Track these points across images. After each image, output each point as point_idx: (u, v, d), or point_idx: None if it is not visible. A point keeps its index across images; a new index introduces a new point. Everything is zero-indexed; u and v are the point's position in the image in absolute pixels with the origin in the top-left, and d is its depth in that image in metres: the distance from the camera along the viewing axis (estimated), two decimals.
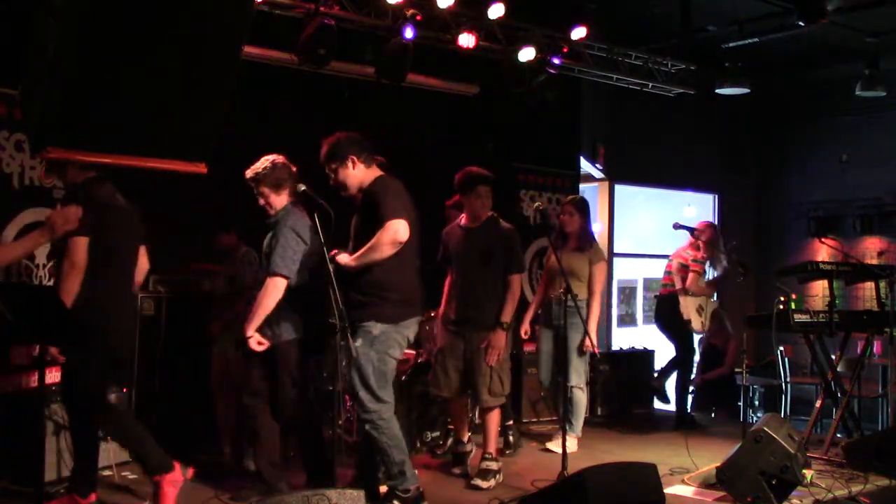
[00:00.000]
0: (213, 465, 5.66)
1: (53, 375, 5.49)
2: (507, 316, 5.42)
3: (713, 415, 8.59)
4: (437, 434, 6.48)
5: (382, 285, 4.50)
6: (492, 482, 5.39)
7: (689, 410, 7.84)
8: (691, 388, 8.64)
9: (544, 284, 6.59)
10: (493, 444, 5.54)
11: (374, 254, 4.44)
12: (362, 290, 4.51)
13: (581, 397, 6.37)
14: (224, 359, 5.66)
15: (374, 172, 4.68)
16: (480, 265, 5.45)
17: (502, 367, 5.47)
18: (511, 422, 6.43)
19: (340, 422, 4.74)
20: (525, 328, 6.57)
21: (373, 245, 4.43)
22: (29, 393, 5.22)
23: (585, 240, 6.39)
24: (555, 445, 6.10)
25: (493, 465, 5.48)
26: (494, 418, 5.56)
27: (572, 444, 6.05)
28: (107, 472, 5.34)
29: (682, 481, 5.58)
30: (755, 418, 8.70)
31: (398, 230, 4.39)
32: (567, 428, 5.71)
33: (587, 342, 6.09)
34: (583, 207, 6.47)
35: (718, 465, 5.20)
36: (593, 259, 6.33)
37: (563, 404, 6.05)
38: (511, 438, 6.38)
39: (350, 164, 4.62)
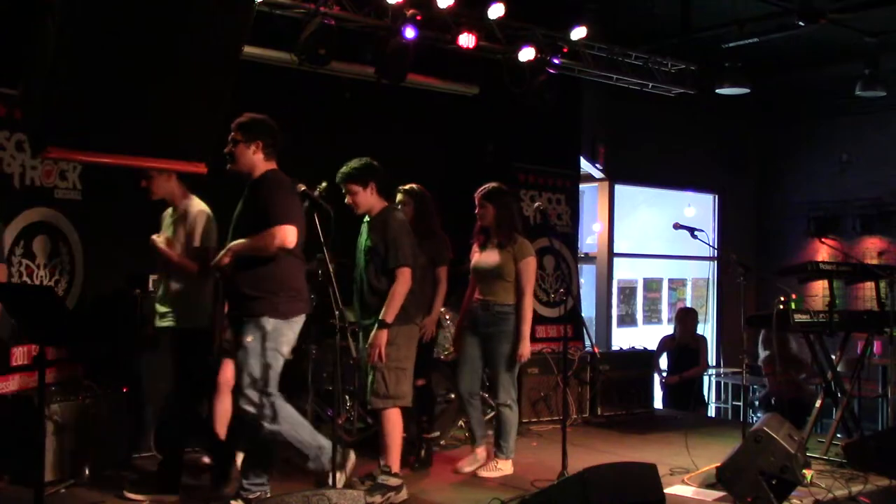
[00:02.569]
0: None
1: (54, 375, 5.51)
2: (388, 314, 4.87)
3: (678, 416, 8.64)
4: (436, 434, 6.48)
5: (276, 280, 4.43)
6: (377, 498, 4.85)
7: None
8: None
9: (470, 288, 5.90)
10: (390, 455, 5.00)
11: (256, 252, 4.40)
12: (255, 284, 4.43)
13: (510, 416, 5.67)
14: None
15: (269, 165, 4.60)
16: (365, 260, 5.08)
17: (388, 367, 4.91)
18: (434, 435, 6.10)
19: (340, 421, 4.75)
20: (455, 343, 5.89)
21: (258, 246, 4.37)
22: (29, 393, 5.22)
23: (504, 234, 5.63)
24: (488, 471, 5.65)
25: (391, 481, 4.97)
26: (388, 424, 4.98)
27: (506, 467, 5.66)
28: (107, 473, 5.35)
29: (682, 481, 5.58)
30: (755, 418, 8.70)
31: (286, 237, 4.33)
32: (496, 451, 5.57)
33: (521, 352, 5.57)
34: (497, 197, 5.67)
35: (718, 465, 5.20)
36: (518, 255, 5.61)
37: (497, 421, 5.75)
38: (423, 453, 5.88)
39: (253, 147, 4.52)
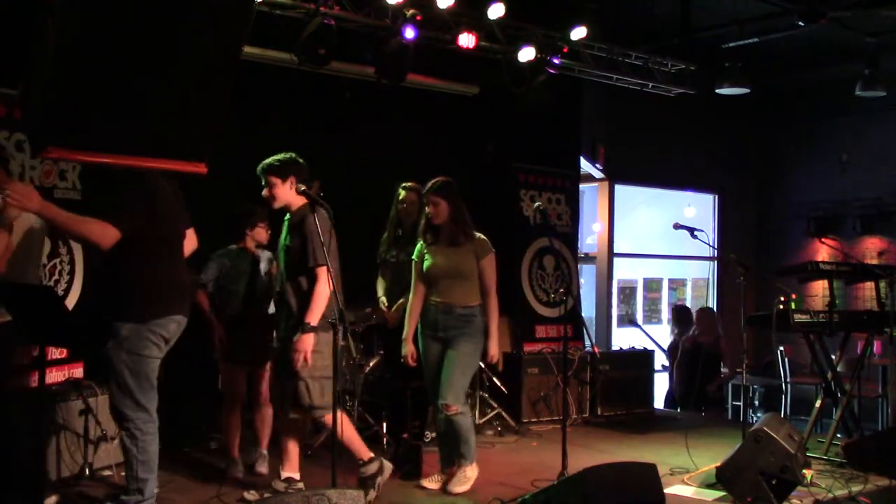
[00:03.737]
0: (212, 465, 5.66)
1: (54, 375, 5.51)
2: (311, 316, 4.61)
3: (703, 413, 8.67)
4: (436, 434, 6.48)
5: (126, 282, 4.24)
6: (371, 494, 4.73)
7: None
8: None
9: (417, 291, 5.40)
10: (353, 449, 4.81)
11: (79, 234, 4.28)
12: (108, 288, 4.32)
13: (464, 422, 5.19)
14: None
15: None
16: (285, 261, 4.86)
17: (312, 376, 4.66)
18: (419, 441, 5.88)
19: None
20: (409, 349, 5.37)
21: (84, 232, 4.13)
22: (29, 393, 5.21)
23: (460, 231, 5.26)
24: (459, 485, 5.24)
25: (369, 469, 4.85)
26: (332, 426, 4.59)
27: (473, 473, 5.28)
28: (107, 472, 5.35)
29: (682, 481, 5.59)
30: (755, 418, 8.70)
31: (102, 239, 4.09)
32: (460, 460, 5.20)
33: (491, 353, 5.24)
34: (448, 192, 5.25)
35: (718, 465, 5.21)
36: (479, 252, 5.28)
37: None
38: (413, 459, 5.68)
39: None
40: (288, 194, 4.77)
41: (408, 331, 5.36)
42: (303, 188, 4.71)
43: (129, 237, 4.14)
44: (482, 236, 5.36)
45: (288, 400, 4.76)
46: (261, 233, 5.56)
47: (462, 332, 5.19)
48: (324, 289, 4.60)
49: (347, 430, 4.79)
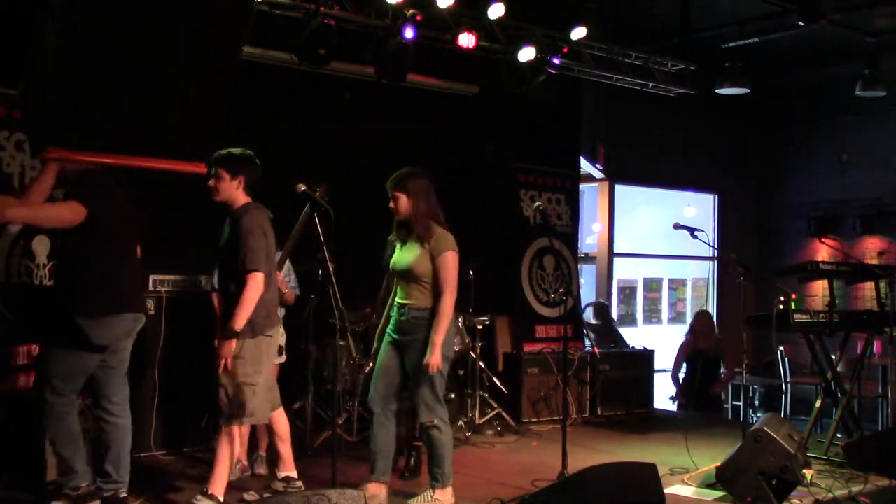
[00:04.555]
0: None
1: None
2: (235, 321, 4.42)
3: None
4: None
5: (78, 280, 4.37)
6: None
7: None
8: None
9: (384, 290, 5.30)
10: (214, 477, 4.57)
11: (49, 220, 4.45)
12: (63, 279, 4.41)
13: (440, 438, 4.84)
14: None
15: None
16: (225, 262, 4.70)
17: (230, 381, 4.52)
18: (420, 443, 5.71)
19: (340, 422, 4.75)
20: (374, 348, 5.17)
21: (53, 214, 4.40)
22: (29, 393, 5.22)
23: (419, 227, 4.85)
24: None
25: (279, 487, 4.79)
26: (221, 443, 4.58)
27: (445, 498, 4.87)
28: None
29: (682, 481, 5.59)
30: (755, 418, 8.70)
31: (72, 215, 4.29)
32: (431, 481, 4.90)
33: (427, 360, 4.72)
34: (408, 186, 4.87)
35: (718, 465, 5.21)
36: (434, 251, 4.82)
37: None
38: (412, 461, 5.73)
39: None
40: (232, 191, 4.62)
41: (378, 330, 5.19)
42: (303, 188, 4.69)
43: (92, 228, 4.28)
44: (444, 233, 4.88)
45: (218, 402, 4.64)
46: None
47: (415, 339, 4.82)
48: (252, 294, 4.43)
49: (224, 457, 4.57)
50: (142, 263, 4.76)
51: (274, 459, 5.07)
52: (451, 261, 4.82)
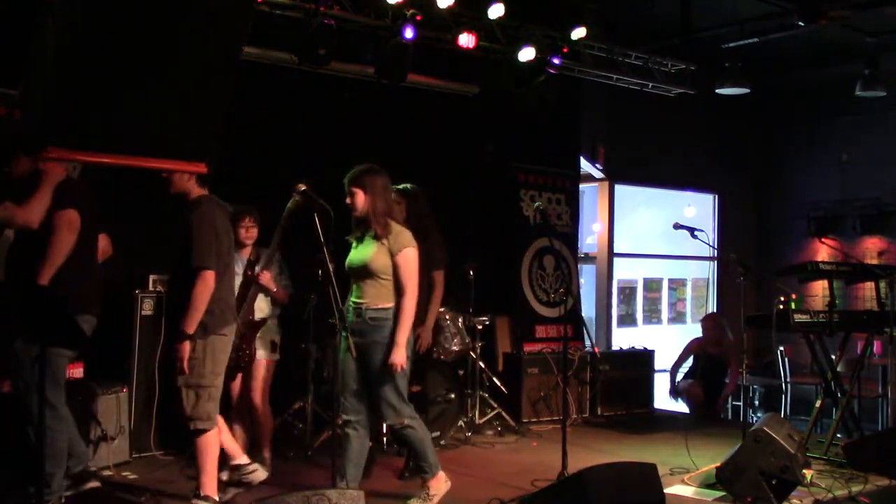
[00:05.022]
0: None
1: None
2: (187, 322, 4.36)
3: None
4: (437, 434, 6.48)
5: (57, 280, 4.38)
6: None
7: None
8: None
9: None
10: (203, 477, 4.53)
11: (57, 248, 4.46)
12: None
13: (414, 434, 4.74)
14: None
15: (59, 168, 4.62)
16: (178, 260, 4.57)
17: (188, 384, 4.43)
18: (434, 434, 5.75)
19: (340, 422, 4.73)
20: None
21: (61, 247, 4.45)
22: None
23: (375, 223, 4.70)
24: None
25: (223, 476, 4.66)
26: (200, 446, 4.52)
27: (439, 487, 4.84)
28: (107, 472, 5.35)
29: (682, 481, 5.59)
30: (755, 418, 8.70)
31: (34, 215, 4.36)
32: (422, 475, 4.81)
33: (392, 359, 4.59)
34: (364, 182, 4.72)
35: (718, 465, 5.21)
36: (394, 248, 4.68)
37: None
38: (412, 463, 5.48)
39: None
40: (184, 182, 4.53)
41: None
42: (303, 188, 4.68)
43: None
44: (401, 229, 4.76)
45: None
46: (241, 232, 5.39)
47: (373, 340, 4.66)
48: (202, 293, 4.35)
49: (207, 456, 4.53)
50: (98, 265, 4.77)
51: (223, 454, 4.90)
52: (411, 257, 4.70)
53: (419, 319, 5.38)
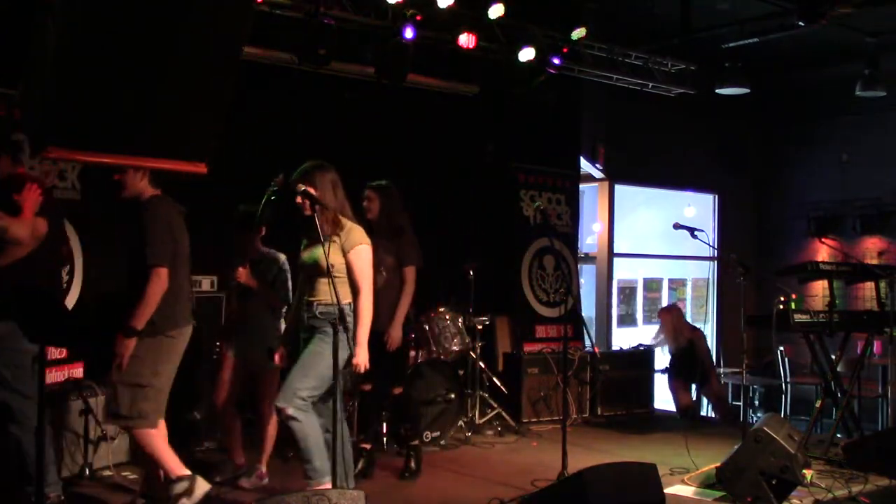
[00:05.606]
0: (211, 465, 5.65)
1: (53, 375, 5.52)
2: (135, 319, 4.28)
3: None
4: (437, 434, 6.49)
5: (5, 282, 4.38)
6: None
7: None
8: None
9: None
10: (165, 464, 4.45)
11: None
12: None
13: (301, 428, 4.42)
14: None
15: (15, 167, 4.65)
16: (131, 261, 4.51)
17: (124, 381, 4.35)
18: (434, 436, 5.80)
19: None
20: (280, 352, 4.84)
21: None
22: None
23: (326, 221, 4.53)
24: None
25: (177, 488, 4.46)
26: (142, 442, 4.44)
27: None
28: (107, 472, 5.35)
29: (682, 481, 5.59)
30: (755, 418, 8.70)
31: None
32: (306, 479, 4.48)
33: (357, 360, 4.40)
34: (313, 179, 4.58)
35: (718, 465, 5.21)
36: (346, 245, 4.55)
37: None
38: (411, 463, 5.67)
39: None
40: (136, 183, 4.49)
41: (285, 329, 4.98)
42: (303, 188, 4.67)
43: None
44: (353, 226, 4.60)
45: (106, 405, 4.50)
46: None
47: (319, 330, 4.51)
48: (154, 291, 4.29)
49: (157, 444, 4.44)
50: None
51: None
52: (364, 254, 4.56)
53: (389, 317, 5.39)
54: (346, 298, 4.48)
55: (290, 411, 4.40)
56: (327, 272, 4.26)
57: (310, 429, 4.45)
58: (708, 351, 8.81)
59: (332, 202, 4.57)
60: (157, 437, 4.43)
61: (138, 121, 3.75)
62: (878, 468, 5.63)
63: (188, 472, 4.44)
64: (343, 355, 4.18)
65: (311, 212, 4.45)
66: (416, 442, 5.82)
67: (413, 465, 5.72)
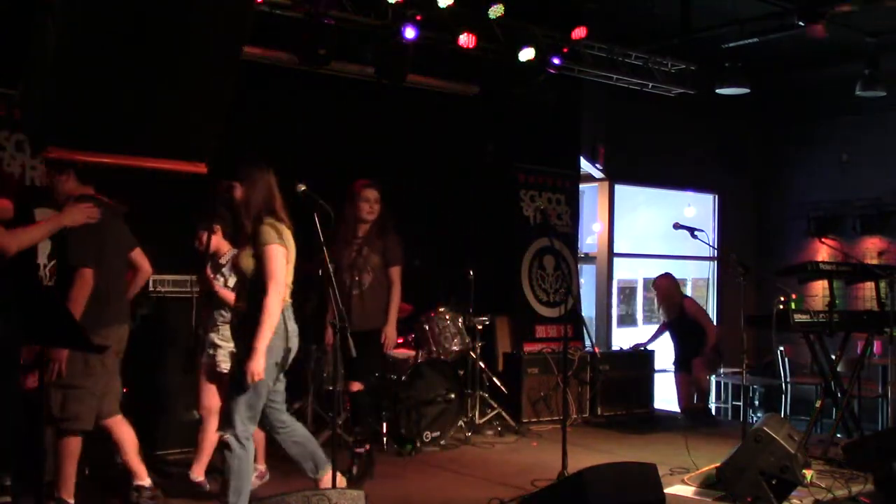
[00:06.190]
0: (210, 464, 5.65)
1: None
2: None
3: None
4: (437, 434, 6.48)
5: None
6: None
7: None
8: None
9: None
10: (61, 482, 4.40)
11: None
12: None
13: (229, 458, 4.12)
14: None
15: None
16: (58, 260, 4.56)
17: (55, 385, 4.32)
18: (364, 448, 5.54)
19: (340, 422, 4.73)
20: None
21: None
22: (29, 393, 5.21)
23: (248, 216, 4.23)
24: None
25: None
26: (62, 448, 4.41)
27: None
28: (106, 472, 5.34)
29: (682, 481, 5.58)
30: (755, 418, 8.70)
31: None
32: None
33: (249, 367, 4.00)
34: (241, 175, 4.21)
35: (718, 465, 5.21)
36: (256, 244, 4.20)
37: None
38: (354, 470, 5.37)
39: None
40: (62, 185, 4.43)
41: None
42: (302, 188, 4.66)
43: None
44: (266, 226, 4.18)
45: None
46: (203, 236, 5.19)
47: (238, 344, 4.24)
48: (79, 292, 4.24)
49: (66, 462, 4.41)
50: None
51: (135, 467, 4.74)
52: (271, 254, 4.12)
53: (377, 317, 5.31)
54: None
55: (227, 438, 4.15)
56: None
57: (241, 461, 4.17)
58: (702, 311, 8.69)
59: (256, 199, 4.21)
60: (76, 451, 4.42)
61: (138, 121, 3.76)
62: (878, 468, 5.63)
63: (71, 502, 4.43)
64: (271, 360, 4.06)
65: (234, 207, 4.25)
66: (364, 448, 5.42)
67: (356, 472, 5.34)
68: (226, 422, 4.13)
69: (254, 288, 4.13)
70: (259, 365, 4.01)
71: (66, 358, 4.31)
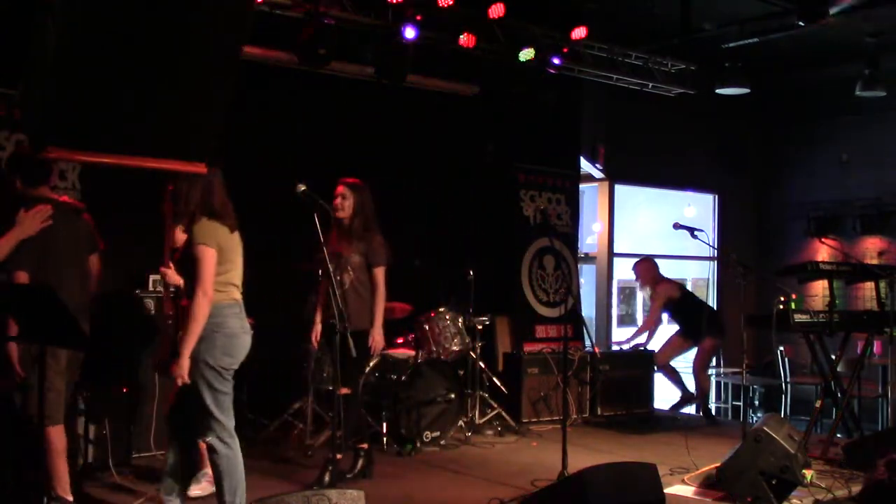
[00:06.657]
0: None
1: None
2: (10, 326, 4.30)
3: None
4: (437, 434, 6.49)
5: None
6: None
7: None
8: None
9: None
10: (54, 478, 4.44)
11: None
12: None
13: (215, 459, 4.12)
14: None
15: None
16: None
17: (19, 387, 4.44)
18: (365, 445, 5.52)
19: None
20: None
21: None
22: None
23: (187, 214, 4.18)
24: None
25: None
26: (46, 448, 4.40)
27: None
28: (107, 472, 5.35)
29: (682, 481, 5.59)
30: (755, 418, 8.70)
31: None
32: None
33: (174, 370, 3.99)
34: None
35: (718, 465, 5.21)
36: (191, 242, 4.13)
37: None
38: (326, 476, 5.14)
39: None
40: (18, 188, 4.53)
41: None
42: (302, 189, 4.67)
43: None
44: (202, 225, 4.10)
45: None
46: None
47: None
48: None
49: (54, 455, 4.42)
50: None
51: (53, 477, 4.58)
52: (201, 254, 4.02)
53: (360, 317, 5.25)
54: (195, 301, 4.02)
55: (210, 439, 4.13)
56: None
57: (229, 457, 4.14)
58: (662, 299, 8.58)
59: (196, 196, 4.14)
60: (55, 444, 4.45)
61: (138, 121, 3.76)
62: None
63: (69, 498, 4.45)
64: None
65: (178, 205, 4.19)
66: (338, 457, 5.17)
67: (329, 479, 5.12)
68: (203, 428, 4.09)
69: (187, 287, 4.09)
70: (183, 368, 3.95)
71: (18, 358, 4.36)
